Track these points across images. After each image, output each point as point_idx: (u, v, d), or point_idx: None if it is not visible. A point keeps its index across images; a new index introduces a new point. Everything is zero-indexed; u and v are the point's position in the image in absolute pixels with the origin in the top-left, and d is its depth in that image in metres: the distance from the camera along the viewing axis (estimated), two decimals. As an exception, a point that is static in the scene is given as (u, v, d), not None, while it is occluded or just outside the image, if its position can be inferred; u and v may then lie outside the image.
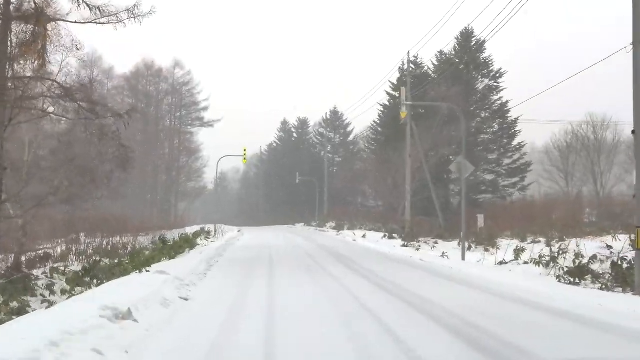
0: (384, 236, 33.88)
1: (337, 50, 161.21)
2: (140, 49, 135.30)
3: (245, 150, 35.98)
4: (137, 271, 9.87)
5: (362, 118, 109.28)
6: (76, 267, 18.34)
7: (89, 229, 25.14)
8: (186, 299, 8.87)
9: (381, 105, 50.49)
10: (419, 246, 29.06)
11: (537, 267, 16.89)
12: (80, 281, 11.82)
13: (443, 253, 20.31)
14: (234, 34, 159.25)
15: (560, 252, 17.44)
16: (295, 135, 78.89)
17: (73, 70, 19.98)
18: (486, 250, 24.98)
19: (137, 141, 64.90)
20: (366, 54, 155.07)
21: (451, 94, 39.49)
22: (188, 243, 21.04)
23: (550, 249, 18.42)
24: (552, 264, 16.71)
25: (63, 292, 11.35)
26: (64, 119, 17.21)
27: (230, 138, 77.79)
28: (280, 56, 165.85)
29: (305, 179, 64.60)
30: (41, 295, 11.38)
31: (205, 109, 65.68)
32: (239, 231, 38.76)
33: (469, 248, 24.92)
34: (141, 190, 64.69)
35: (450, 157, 44.92)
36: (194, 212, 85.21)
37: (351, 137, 70.53)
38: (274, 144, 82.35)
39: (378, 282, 12.68)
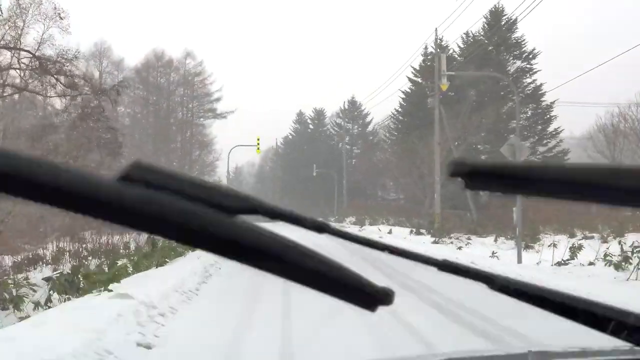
0: (411, 232, 30.97)
1: (353, 38, 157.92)
2: (151, 41, 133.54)
3: (258, 140, 33.14)
4: (98, 290, 6.84)
5: (381, 108, 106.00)
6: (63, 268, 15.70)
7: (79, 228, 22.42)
8: (148, 347, 5.37)
9: (403, 92, 47.48)
10: (450, 242, 26.23)
11: (609, 269, 13.99)
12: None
13: (493, 253, 17.28)
14: (246, 23, 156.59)
15: (636, 250, 14.49)
16: (311, 126, 75.99)
17: (57, 43, 17.26)
18: (529, 247, 22.10)
19: (149, 134, 62.59)
20: (384, 41, 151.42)
21: (480, 77, 36.45)
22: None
23: (621, 247, 15.40)
24: (627, 265, 13.82)
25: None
26: (41, 96, 14.44)
27: (244, 131, 75.22)
28: (294, 45, 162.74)
29: (322, 171, 61.73)
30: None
31: (218, 100, 63.06)
32: None
33: (524, 247, 22.06)
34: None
35: (478, 146, 41.90)
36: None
37: (370, 128, 67.50)
38: (290, 137, 79.58)
39: (442, 305, 8.66)
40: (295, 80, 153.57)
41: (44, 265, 19.36)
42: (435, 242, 25.88)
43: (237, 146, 38.55)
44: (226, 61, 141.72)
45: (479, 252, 19.15)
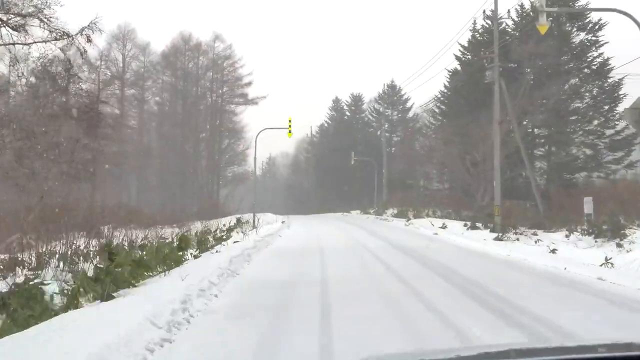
0: (466, 226, 26.87)
1: (391, 18, 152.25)
2: (178, 24, 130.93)
3: (290, 122, 29.31)
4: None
5: (422, 92, 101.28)
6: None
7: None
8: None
9: (449, 71, 43.16)
10: (516, 239, 22.09)
11: None
12: None
13: (606, 259, 13.07)
14: (276, 4, 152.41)
15: None
16: (348, 113, 71.97)
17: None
18: (619, 245, 17.90)
19: (177, 123, 59.45)
20: (422, 22, 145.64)
21: (540, 51, 31.94)
22: (181, 252, 12.73)
23: None
24: None
25: None
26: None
27: (277, 119, 71.91)
28: (328, 27, 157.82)
29: (361, 159, 57.67)
30: None
31: (248, 84, 59.60)
32: (283, 222, 32.31)
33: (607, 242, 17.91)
34: (181, 177, 59.36)
35: (537, 131, 37.37)
36: (238, 199, 79.78)
37: (411, 114, 63.16)
38: (325, 124, 75.77)
39: None
40: (330, 64, 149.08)
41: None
42: (498, 239, 21.77)
43: (266, 129, 34.94)
44: (256, 45, 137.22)
45: (574, 255, 14.94)
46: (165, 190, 59.77)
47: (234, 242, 17.09)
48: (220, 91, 60.81)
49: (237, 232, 27.12)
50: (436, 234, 23.00)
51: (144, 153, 58.28)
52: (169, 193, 59.83)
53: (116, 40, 54.14)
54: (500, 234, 22.35)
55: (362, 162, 62.10)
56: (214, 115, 60.43)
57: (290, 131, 29.34)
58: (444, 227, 26.20)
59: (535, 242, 20.49)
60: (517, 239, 21.99)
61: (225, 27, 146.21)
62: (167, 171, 59.28)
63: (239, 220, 27.30)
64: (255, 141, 34.01)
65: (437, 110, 48.24)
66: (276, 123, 64.59)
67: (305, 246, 18.95)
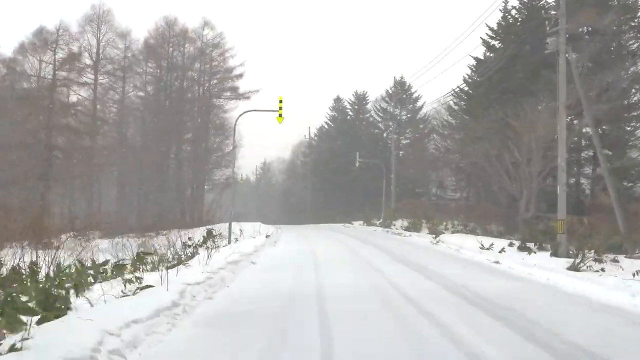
0: (512, 246, 19.90)
1: (397, 10, 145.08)
2: (162, 10, 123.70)
3: (281, 102, 22.29)
4: None
5: (433, 90, 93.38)
6: None
7: None
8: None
9: (475, 59, 36.52)
10: (600, 269, 15.24)
11: None
12: None
13: None
14: None
15: None
16: (350, 113, 65.07)
17: None
18: None
19: (160, 119, 52.47)
20: (432, 12, 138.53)
21: (599, 25, 25.17)
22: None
23: None
24: None
25: None
26: None
27: (271, 118, 64.61)
28: (329, 20, 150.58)
29: (368, 160, 50.65)
30: None
31: (240, 76, 52.69)
32: (267, 236, 24.37)
33: None
34: (163, 180, 52.49)
35: (585, 129, 30.43)
36: (227, 205, 72.93)
37: (422, 113, 56.22)
38: (325, 126, 68.85)
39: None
40: (331, 60, 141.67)
41: None
42: (573, 269, 14.86)
43: (250, 111, 28.09)
44: (249, 37, 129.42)
45: None
46: (147, 194, 52.87)
47: (191, 267, 10.27)
48: (208, 84, 53.91)
49: (207, 248, 20.37)
50: (497, 262, 15.84)
51: (122, 152, 51.59)
52: (150, 197, 52.97)
53: (89, 22, 47.38)
54: (577, 261, 15.41)
55: (366, 167, 55.21)
56: (200, 110, 53.49)
57: (280, 115, 22.33)
58: (489, 248, 19.14)
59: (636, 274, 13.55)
60: (602, 269, 15.11)
61: (215, 15, 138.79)
62: (149, 173, 52.36)
63: (209, 232, 20.32)
64: (235, 126, 27.23)
65: (455, 107, 41.47)
66: (270, 122, 57.70)
67: (290, 292, 10.51)
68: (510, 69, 29.78)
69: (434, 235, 24.59)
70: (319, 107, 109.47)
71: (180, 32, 52.71)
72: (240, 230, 29.04)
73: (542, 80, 25.79)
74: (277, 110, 22.27)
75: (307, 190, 70.45)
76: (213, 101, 53.97)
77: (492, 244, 19.41)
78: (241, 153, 59.39)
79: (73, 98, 46.48)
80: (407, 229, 36.42)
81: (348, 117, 65.03)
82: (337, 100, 67.20)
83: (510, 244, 20.24)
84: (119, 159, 51.11)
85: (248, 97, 53.29)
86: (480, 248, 19.45)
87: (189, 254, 18.50)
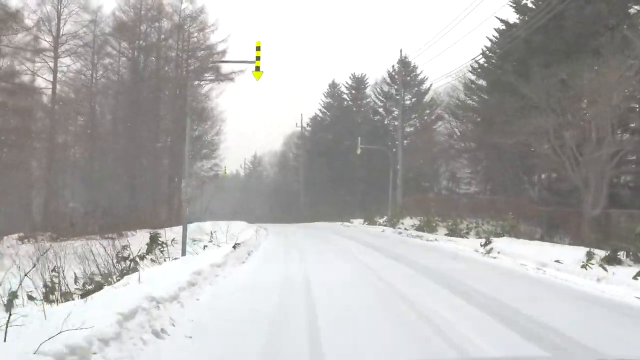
0: (591, 259, 13.56)
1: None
2: None
3: (258, 51, 15.96)
4: None
5: (441, 70, 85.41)
6: None
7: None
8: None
9: (503, 22, 30.19)
10: None
11: None
12: None
13: None
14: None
15: None
16: (348, 99, 58.59)
17: None
18: None
19: (132, 103, 45.92)
20: None
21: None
22: None
23: None
24: None
25: None
26: None
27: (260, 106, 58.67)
28: None
29: (370, 147, 44.11)
30: None
31: (222, 53, 46.14)
32: (233, 247, 16.36)
33: None
34: (136, 172, 45.95)
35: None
36: (211, 202, 66.55)
37: (429, 97, 49.78)
38: (319, 115, 62.33)
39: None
40: (325, 41, 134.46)
41: None
42: None
43: (218, 62, 22.46)
44: (234, 14, 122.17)
45: None
46: (118, 189, 46.36)
47: None
48: (186, 64, 47.36)
49: (154, 261, 14.17)
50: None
51: (90, 141, 45.29)
52: (121, 192, 46.47)
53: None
54: None
55: (367, 158, 48.95)
56: (178, 94, 46.89)
57: (258, 68, 16.00)
58: (587, 265, 12.68)
59: None
60: None
61: None
62: (120, 165, 45.91)
63: (154, 238, 13.94)
64: (187, 89, 20.99)
65: (472, 85, 35.26)
66: (261, 111, 51.25)
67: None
68: (556, 26, 23.45)
69: (483, 243, 17.57)
70: (312, 94, 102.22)
71: (155, 4, 46.16)
72: (212, 234, 22.75)
73: (609, 35, 19.50)
74: (255, 62, 15.94)
75: (300, 186, 64.11)
76: (193, 83, 47.37)
77: (557, 260, 12.93)
78: (226, 144, 52.95)
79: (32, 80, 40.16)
80: (419, 228, 30.11)
81: (345, 104, 58.61)
82: (333, 85, 60.84)
83: (590, 256, 13.90)
84: (86, 149, 44.70)
85: (232, 79, 46.73)
86: (547, 260, 13.03)
87: (124, 270, 12.29)
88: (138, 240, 21.60)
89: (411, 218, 35.29)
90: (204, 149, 49.36)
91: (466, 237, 25.03)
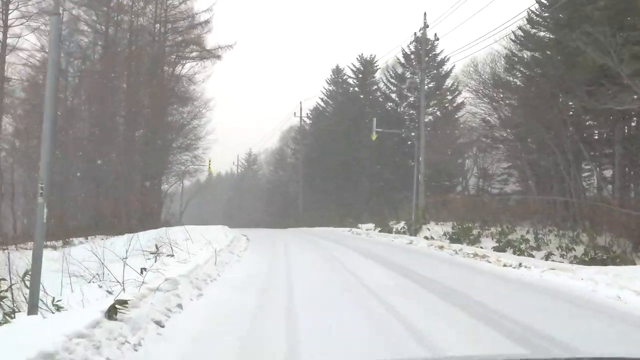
0: None
1: None
2: None
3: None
4: None
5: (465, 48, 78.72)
6: None
7: None
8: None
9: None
10: None
11: None
12: None
13: None
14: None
15: None
16: (354, 83, 50.97)
17: None
18: None
19: (99, 85, 38.39)
20: None
21: None
22: None
23: None
24: None
25: None
26: None
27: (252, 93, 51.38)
28: None
29: (388, 131, 36.45)
30: None
31: (205, 24, 38.74)
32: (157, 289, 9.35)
33: None
34: (105, 165, 38.48)
35: None
36: (197, 202, 59.23)
37: (451, 81, 42.28)
38: (321, 105, 54.74)
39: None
40: (327, 24, 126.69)
41: None
42: None
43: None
44: None
45: None
46: (79, 187, 38.93)
47: None
48: (163, 37, 39.90)
49: None
50: None
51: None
52: (83, 190, 39.06)
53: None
54: None
55: (377, 153, 41.67)
56: (154, 73, 39.42)
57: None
58: None
59: None
60: None
61: None
62: (82, 159, 38.48)
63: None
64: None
65: (514, 57, 27.86)
66: (257, 107, 43.80)
67: None
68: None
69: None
70: (313, 85, 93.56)
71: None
72: (171, 243, 15.28)
73: None
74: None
75: (298, 185, 56.60)
76: (170, 60, 39.95)
77: None
78: (218, 141, 45.30)
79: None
80: (453, 238, 22.59)
81: (351, 90, 51.04)
82: (337, 71, 53.25)
83: None
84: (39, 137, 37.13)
85: (218, 56, 39.41)
86: None
87: None
88: (80, 251, 14.44)
89: (437, 224, 27.94)
90: (184, 138, 41.84)
91: (530, 256, 17.55)
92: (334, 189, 48.40)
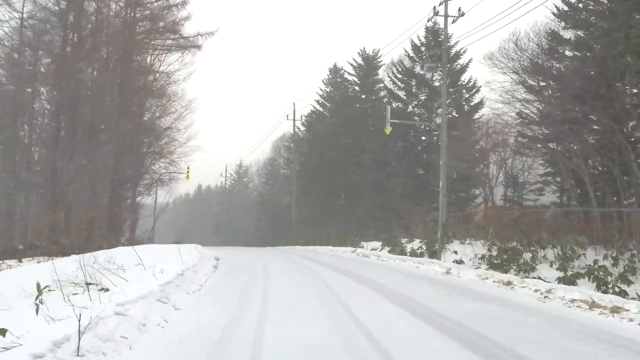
0: None
1: None
2: None
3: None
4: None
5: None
6: None
7: None
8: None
9: None
10: None
11: None
12: None
13: None
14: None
15: None
16: (356, 82, 45.22)
17: None
18: None
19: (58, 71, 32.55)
20: None
21: None
22: None
23: None
24: None
25: None
26: None
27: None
28: None
29: (403, 122, 30.81)
30: None
31: (182, 5, 33.17)
32: None
33: None
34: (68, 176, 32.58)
35: None
36: (184, 216, 53.31)
37: (468, 76, 36.79)
38: (317, 109, 49.01)
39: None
40: (323, 18, 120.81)
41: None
42: None
43: None
44: None
45: None
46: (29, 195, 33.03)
47: None
48: (132, 18, 34.20)
49: None
50: None
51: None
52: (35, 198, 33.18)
53: None
54: None
55: (382, 159, 36.11)
56: (124, 62, 33.61)
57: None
58: None
59: None
60: None
61: None
62: (35, 163, 32.82)
63: None
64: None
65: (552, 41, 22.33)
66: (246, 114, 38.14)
67: None
68: None
69: None
70: (306, 88, 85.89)
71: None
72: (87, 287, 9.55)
73: None
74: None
75: (292, 198, 50.76)
76: (145, 49, 34.24)
77: None
78: (201, 144, 39.38)
79: None
80: (495, 264, 16.73)
81: (351, 90, 45.45)
82: (334, 70, 47.66)
83: None
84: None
85: (198, 46, 33.83)
86: None
87: None
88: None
89: (462, 242, 22.28)
90: (160, 142, 36.06)
91: (622, 291, 11.75)
92: (331, 202, 42.69)
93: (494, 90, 27.01)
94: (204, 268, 14.40)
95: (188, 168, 35.69)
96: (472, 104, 35.88)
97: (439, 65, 29.84)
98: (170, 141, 35.87)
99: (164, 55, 36.34)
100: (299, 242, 38.11)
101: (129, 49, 33.24)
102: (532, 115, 24.28)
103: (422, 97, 37.22)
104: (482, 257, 17.91)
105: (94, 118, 32.63)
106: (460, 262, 18.76)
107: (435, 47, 35.67)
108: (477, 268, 17.20)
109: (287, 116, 47.74)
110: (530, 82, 23.50)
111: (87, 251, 19.00)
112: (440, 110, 29.49)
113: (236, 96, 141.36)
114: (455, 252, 20.14)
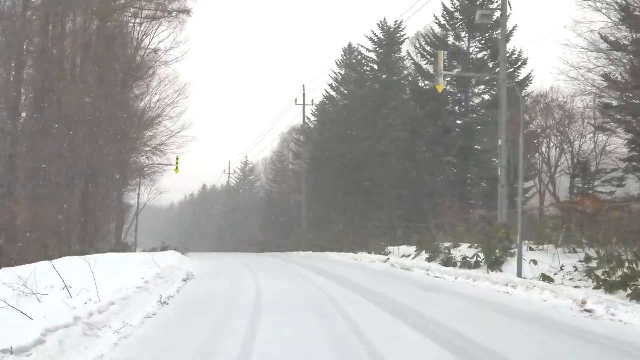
0: None
1: None
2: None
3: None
4: None
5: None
6: None
7: None
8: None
9: None
10: None
11: None
12: None
13: None
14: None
15: None
16: (375, 59, 39.03)
17: None
18: None
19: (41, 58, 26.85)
20: None
21: None
22: None
23: None
24: None
25: None
26: None
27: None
28: None
29: (459, 75, 24.74)
30: None
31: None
32: None
33: None
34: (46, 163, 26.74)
35: None
36: (188, 218, 47.57)
37: (514, 46, 30.77)
38: (329, 94, 43.17)
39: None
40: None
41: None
42: None
43: None
44: None
45: None
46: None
47: None
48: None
49: None
50: None
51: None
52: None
53: None
54: None
55: (408, 147, 30.36)
56: (101, 30, 27.85)
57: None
58: None
59: None
60: None
61: None
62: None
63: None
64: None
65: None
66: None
67: None
68: None
69: None
70: (316, 73, 77.59)
71: None
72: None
73: None
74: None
75: (302, 197, 45.02)
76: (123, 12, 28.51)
77: None
78: (197, 135, 33.82)
79: None
80: (607, 282, 10.85)
81: (369, 70, 39.51)
82: (349, 50, 41.75)
83: None
84: None
85: (187, 10, 28.18)
86: None
87: None
88: None
89: (531, 248, 16.44)
90: (145, 129, 30.33)
91: None
92: (347, 200, 36.77)
93: (581, 36, 20.78)
94: (149, 300, 8.51)
95: (178, 159, 30.26)
96: (517, 79, 29.85)
97: (494, 13, 23.84)
98: (160, 130, 30.30)
99: (152, 28, 30.87)
100: (310, 247, 32.47)
101: (106, 15, 27.54)
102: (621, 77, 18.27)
103: (456, 71, 31.24)
104: (588, 272, 11.93)
105: (65, 96, 26.92)
106: (546, 278, 12.90)
107: (473, 11, 29.62)
108: (576, 287, 11.53)
109: (296, 100, 41.99)
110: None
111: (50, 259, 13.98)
112: (496, 82, 23.47)
113: (240, 89, 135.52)
114: (535, 262, 14.16)
